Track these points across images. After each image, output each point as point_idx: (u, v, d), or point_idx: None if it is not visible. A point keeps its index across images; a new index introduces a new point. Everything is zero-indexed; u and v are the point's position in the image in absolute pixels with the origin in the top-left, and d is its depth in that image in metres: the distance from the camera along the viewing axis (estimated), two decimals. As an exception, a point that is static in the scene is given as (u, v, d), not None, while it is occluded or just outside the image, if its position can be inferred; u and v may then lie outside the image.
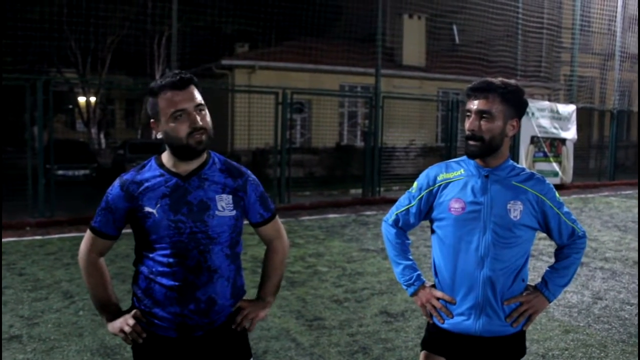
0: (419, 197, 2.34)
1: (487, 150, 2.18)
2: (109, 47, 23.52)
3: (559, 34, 18.78)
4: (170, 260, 2.04)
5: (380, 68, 14.16)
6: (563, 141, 16.43)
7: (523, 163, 15.42)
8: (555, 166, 16.23)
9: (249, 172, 2.24)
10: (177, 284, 2.03)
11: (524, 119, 14.85)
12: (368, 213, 11.73)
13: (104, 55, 24.44)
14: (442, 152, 15.25)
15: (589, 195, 15.21)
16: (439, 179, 2.30)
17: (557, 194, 2.29)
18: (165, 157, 2.15)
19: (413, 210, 2.37)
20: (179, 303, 2.04)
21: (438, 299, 2.30)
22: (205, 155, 2.15)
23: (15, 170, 12.62)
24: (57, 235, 8.95)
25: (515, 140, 15.72)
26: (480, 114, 2.15)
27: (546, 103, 16.75)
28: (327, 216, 11.30)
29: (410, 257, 2.43)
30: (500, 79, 2.21)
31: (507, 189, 2.21)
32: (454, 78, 19.80)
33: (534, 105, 15.83)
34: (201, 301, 2.05)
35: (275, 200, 12.67)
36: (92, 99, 28.34)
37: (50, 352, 4.25)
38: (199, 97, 2.04)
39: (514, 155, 15.73)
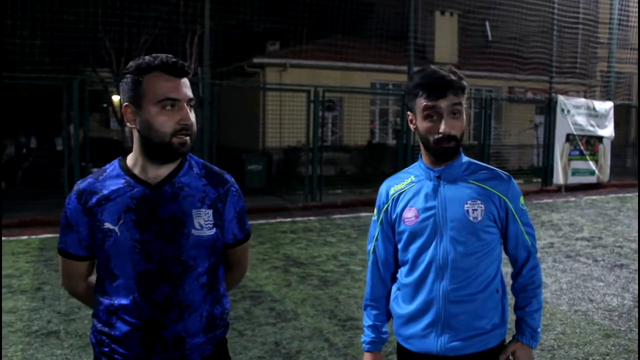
0: (379, 220, 2.09)
1: (458, 150, 1.98)
2: (142, 47, 23.79)
3: (596, 29, 18.33)
4: (135, 295, 1.72)
5: (412, 65, 14.03)
6: (600, 139, 16.06)
7: (558, 162, 15.14)
8: (592, 165, 15.88)
9: (232, 180, 1.88)
10: (140, 322, 1.72)
11: (559, 116, 14.31)
12: (400, 212, 11.62)
13: (137, 54, 24.74)
14: (475, 150, 15.03)
15: (627, 195, 14.84)
16: (390, 193, 2.06)
17: (521, 198, 2.02)
18: (132, 159, 1.77)
19: (380, 238, 2.10)
20: (143, 344, 1.73)
21: None
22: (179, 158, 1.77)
23: (52, 168, 12.88)
24: (92, 233, 9.08)
25: (550, 138, 15.44)
26: (452, 111, 1.92)
27: (582, 100, 16.39)
28: (359, 215, 11.25)
29: (379, 311, 2.16)
30: (446, 68, 1.95)
31: (463, 188, 1.95)
32: (487, 75, 19.51)
33: (569, 102, 15.51)
34: (168, 341, 1.73)
35: (307, 198, 12.68)
36: (126, 98, 28.76)
37: (86, 347, 4.31)
38: (191, 92, 1.71)
39: (549, 153, 15.46)
